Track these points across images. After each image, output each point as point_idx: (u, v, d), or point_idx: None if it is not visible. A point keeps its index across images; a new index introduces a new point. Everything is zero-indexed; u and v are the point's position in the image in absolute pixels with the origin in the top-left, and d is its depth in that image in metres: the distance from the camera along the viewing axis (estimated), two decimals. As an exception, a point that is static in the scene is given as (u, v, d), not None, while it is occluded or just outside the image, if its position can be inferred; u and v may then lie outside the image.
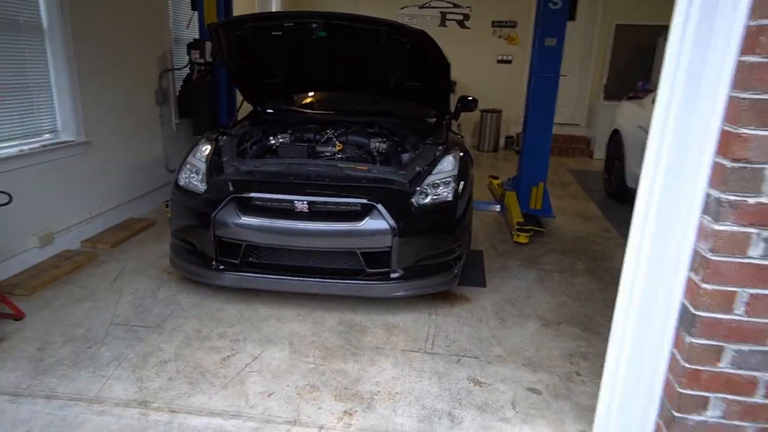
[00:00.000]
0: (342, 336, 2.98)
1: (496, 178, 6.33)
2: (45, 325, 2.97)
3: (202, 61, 5.15)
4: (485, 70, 9.05)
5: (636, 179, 5.45)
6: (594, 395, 2.47)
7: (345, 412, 2.35)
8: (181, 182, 3.34)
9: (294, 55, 3.85)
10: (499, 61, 9.12)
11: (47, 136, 3.93)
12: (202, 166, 3.35)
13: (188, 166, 3.40)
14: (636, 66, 8.77)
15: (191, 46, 5.15)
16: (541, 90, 4.93)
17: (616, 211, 5.65)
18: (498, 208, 5.54)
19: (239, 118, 4.22)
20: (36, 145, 3.75)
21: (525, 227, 4.51)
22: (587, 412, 2.38)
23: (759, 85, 1.35)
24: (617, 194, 6.00)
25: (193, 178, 3.31)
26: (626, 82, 8.54)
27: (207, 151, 3.47)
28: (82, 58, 4.01)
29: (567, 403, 2.46)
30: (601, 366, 2.70)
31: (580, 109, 9.22)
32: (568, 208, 5.74)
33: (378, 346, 2.90)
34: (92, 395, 2.40)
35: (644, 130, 5.31)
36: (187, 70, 5.36)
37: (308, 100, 4.64)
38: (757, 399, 1.58)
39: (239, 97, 4.51)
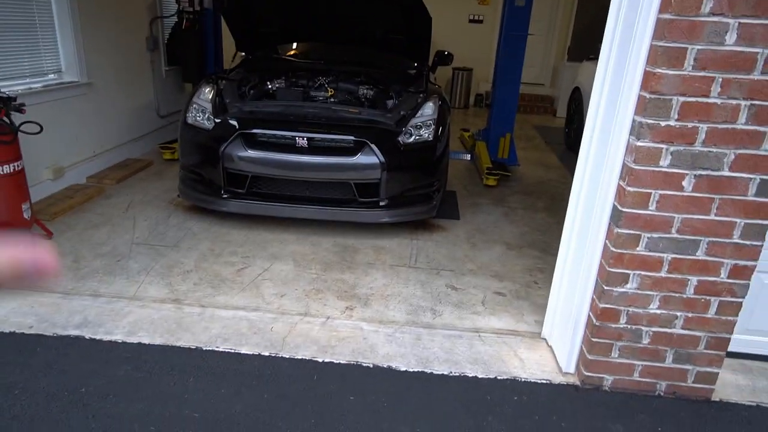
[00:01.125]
0: (338, 254, 3.47)
1: (467, 130, 6.82)
2: (73, 244, 3.35)
3: (190, 9, 5.36)
4: (457, 30, 9.40)
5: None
6: (548, 297, 3.06)
7: (346, 307, 2.86)
8: (190, 120, 3.68)
9: (287, 6, 4.16)
10: (471, 21, 9.48)
11: (52, 76, 4.16)
12: (208, 106, 3.69)
13: (195, 105, 3.73)
14: (598, 29, 9.22)
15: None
16: (510, 48, 5.38)
17: (575, 161, 6.23)
18: (469, 157, 6.04)
19: (230, 67, 4.53)
20: (42, 84, 3.99)
21: (493, 171, 5.05)
22: (541, 308, 2.96)
23: (670, 35, 1.84)
24: (575, 146, 6.56)
25: (200, 116, 3.66)
26: (588, 45, 9.05)
27: (210, 93, 3.80)
28: (83, 3, 4.21)
29: (526, 302, 3.04)
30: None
31: (545, 69, 9.74)
32: (532, 158, 6.31)
33: (369, 262, 3.40)
34: (131, 295, 2.83)
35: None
36: (176, 19, 5.55)
37: (300, 50, 4.96)
38: (662, 274, 2.14)
39: (226, 47, 4.80)
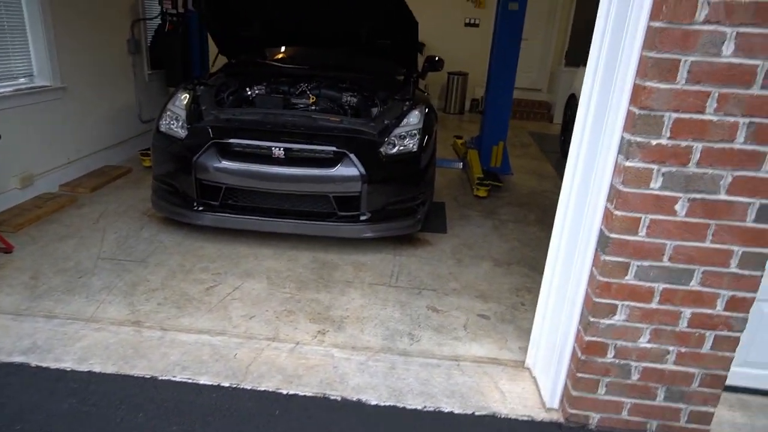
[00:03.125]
0: (315, 271, 3.29)
1: (460, 138, 6.65)
2: (35, 258, 3.17)
3: (174, 11, 5.20)
4: (453, 33, 9.24)
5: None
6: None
7: (318, 331, 2.68)
8: (162, 128, 3.51)
9: (269, 8, 4.00)
10: (467, 24, 9.31)
11: (23, 80, 4.00)
12: (182, 113, 3.52)
13: (168, 113, 3.56)
14: (597, 34, 9.12)
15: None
16: (503, 53, 5.21)
17: (569, 170, 6.07)
18: (460, 165, 5.88)
19: (213, 71, 4.37)
20: (13, 88, 3.82)
21: (484, 182, 4.87)
22: (527, 333, 2.77)
23: (661, 45, 1.67)
24: (571, 155, 6.41)
25: (174, 124, 3.49)
26: (586, 49, 8.88)
27: (186, 99, 3.63)
28: (57, 5, 4.05)
29: (510, 326, 2.86)
30: (542, 295, 3.11)
31: (542, 74, 9.57)
32: (526, 167, 6.13)
33: (348, 280, 3.22)
34: (88, 316, 2.65)
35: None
36: (159, 21, 5.39)
37: (282, 54, 4.79)
38: (653, 305, 1.96)
39: (212, 50, 4.64)
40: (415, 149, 3.47)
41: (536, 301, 3.09)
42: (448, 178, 5.50)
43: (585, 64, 6.29)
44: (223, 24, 4.11)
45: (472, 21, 9.26)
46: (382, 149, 3.40)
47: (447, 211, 4.47)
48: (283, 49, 4.83)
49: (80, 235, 3.53)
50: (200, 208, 3.40)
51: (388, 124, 3.54)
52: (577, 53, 8.94)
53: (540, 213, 4.61)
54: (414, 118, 3.60)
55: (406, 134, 3.50)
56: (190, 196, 3.39)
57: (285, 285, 3.11)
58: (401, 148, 3.46)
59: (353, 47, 4.34)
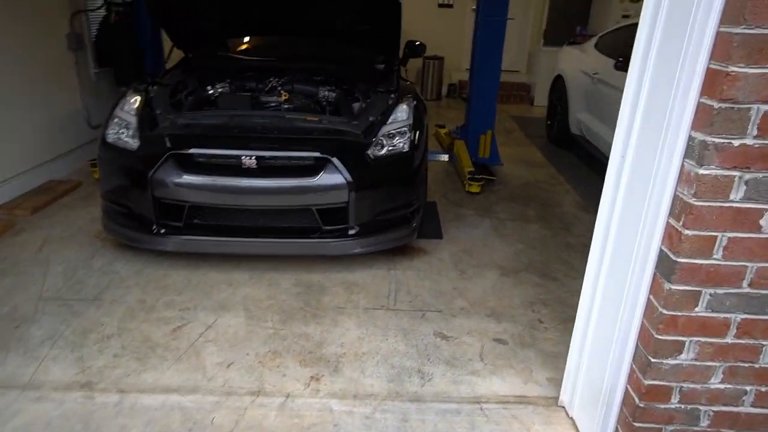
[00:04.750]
0: (300, 297, 2.85)
1: (443, 126, 6.22)
2: (-40, 306, 2.64)
3: (119, 1, 4.60)
4: (426, 15, 8.77)
5: (579, 125, 5.48)
6: (557, 342, 2.51)
7: (311, 377, 2.25)
8: (110, 139, 2.99)
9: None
10: (441, 6, 8.85)
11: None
12: (133, 120, 3.00)
13: (116, 120, 3.04)
14: (574, 11, 8.81)
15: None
16: (488, 34, 4.79)
17: (560, 157, 5.74)
18: (446, 157, 5.46)
19: (169, 66, 3.82)
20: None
21: (476, 177, 4.48)
22: (552, 358, 2.41)
23: (752, 18, 1.28)
24: (560, 140, 6.09)
25: (123, 133, 2.97)
26: (565, 28, 8.57)
27: (137, 103, 3.11)
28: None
29: (532, 351, 2.48)
30: (562, 312, 2.75)
31: (520, 55, 9.20)
32: (514, 155, 5.76)
33: (339, 305, 2.79)
34: (25, 380, 2.15)
35: (587, 75, 5.35)
36: (103, 12, 4.78)
37: (246, 45, 4.27)
38: (728, 339, 1.60)
39: (167, 43, 4.08)
40: (406, 149, 3.04)
41: (556, 318, 2.73)
42: (434, 171, 5.07)
43: (569, 43, 5.91)
44: (174, 12, 3.55)
45: (446, 2, 8.80)
46: (369, 151, 2.96)
47: (440, 212, 4.07)
48: (247, 39, 4.30)
49: (17, 270, 2.99)
50: (161, 231, 2.90)
51: (373, 121, 3.10)
52: (557, 32, 8.61)
53: (539, 207, 4.24)
54: (402, 113, 3.16)
55: (395, 132, 3.06)
56: (147, 218, 2.88)
57: (267, 317, 2.66)
58: (391, 148, 3.02)
59: (327, 34, 3.85)
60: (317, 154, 2.82)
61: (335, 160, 2.80)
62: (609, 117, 4.66)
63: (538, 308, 2.83)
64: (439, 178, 4.90)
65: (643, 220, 1.63)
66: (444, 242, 3.57)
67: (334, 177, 2.82)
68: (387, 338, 2.53)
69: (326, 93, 3.46)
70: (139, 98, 3.14)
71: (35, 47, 4.12)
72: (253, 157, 2.78)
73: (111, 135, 2.99)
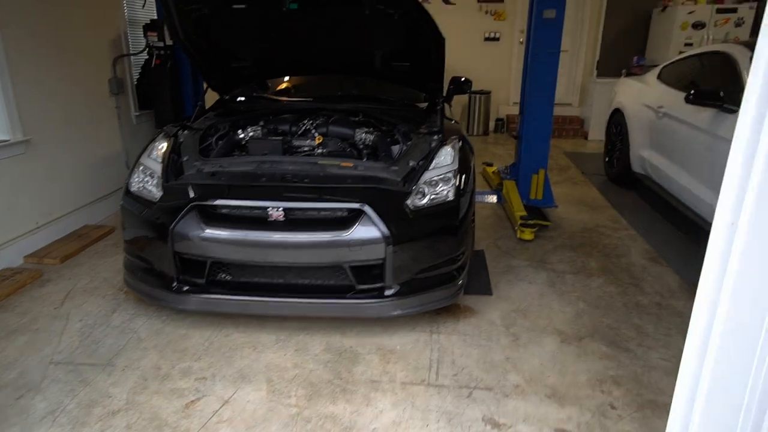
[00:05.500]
0: (330, 367, 2.52)
1: (491, 165, 5.87)
2: (-32, 369, 2.46)
3: (161, 44, 4.57)
4: (472, 49, 8.53)
5: (642, 163, 4.99)
6: (637, 437, 2.06)
7: (337, 474, 1.90)
8: (133, 188, 2.82)
9: (262, 32, 3.30)
10: (487, 39, 8.60)
11: (-27, 136, 3.36)
12: (158, 168, 2.82)
13: (141, 168, 2.87)
14: (629, 40, 8.36)
15: (148, 28, 4.56)
16: (540, 68, 4.46)
17: (622, 197, 5.25)
18: (495, 198, 5.09)
19: (205, 108, 3.68)
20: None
21: (529, 222, 4.07)
22: (630, 458, 1.97)
23: None
24: (620, 179, 5.59)
25: (148, 182, 2.79)
26: (620, 58, 8.12)
27: (164, 149, 2.94)
28: (12, 42, 3.42)
29: (604, 447, 2.04)
30: (639, 394, 2.29)
31: (572, 87, 8.77)
32: (570, 196, 5.31)
33: (373, 378, 2.44)
34: (17, 468, 1.91)
35: (651, 109, 4.90)
36: (145, 56, 4.77)
37: (283, 85, 4.11)
38: None
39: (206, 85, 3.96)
40: (451, 197, 2.70)
41: (631, 402, 2.27)
42: (482, 215, 4.71)
43: (628, 75, 5.45)
44: (210, 56, 3.42)
45: (493, 35, 8.55)
46: (409, 201, 2.64)
47: (489, 263, 3.68)
48: (284, 79, 4.15)
49: (35, 327, 2.82)
50: (182, 288, 2.66)
51: (414, 166, 2.79)
52: (611, 62, 8.17)
53: (601, 258, 3.78)
54: (447, 156, 2.85)
55: (439, 179, 2.74)
56: (167, 274, 2.66)
57: (291, 392, 2.34)
58: (434, 197, 2.70)
59: (368, 73, 3.61)
60: (350, 205, 2.53)
61: (370, 211, 2.50)
62: (679, 155, 4.17)
63: (608, 388, 2.38)
64: (487, 223, 4.52)
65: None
66: (494, 300, 3.17)
67: (369, 230, 2.51)
68: (428, 424, 2.15)
69: (363, 135, 3.20)
70: (166, 144, 2.97)
71: (78, 93, 4.11)
72: (280, 209, 2.53)
73: (135, 184, 2.82)
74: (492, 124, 8.78)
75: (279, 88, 4.16)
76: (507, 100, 8.77)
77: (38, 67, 3.68)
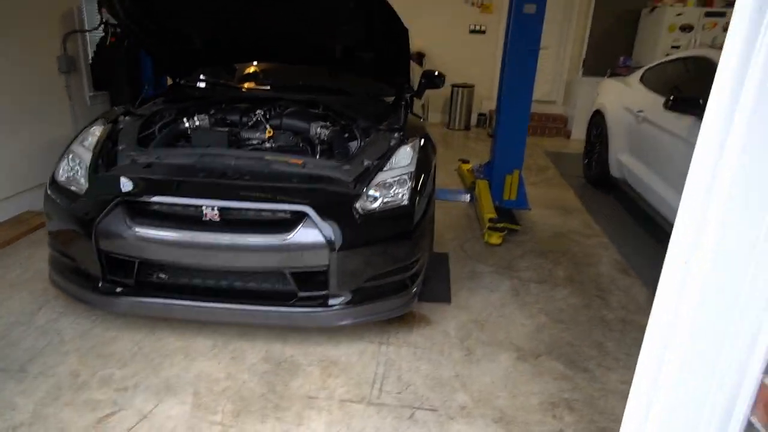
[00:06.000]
0: (265, 379, 2.33)
1: (467, 162, 5.69)
2: None
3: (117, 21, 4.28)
4: (456, 42, 8.31)
5: (620, 167, 4.81)
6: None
7: (251, 507, 1.72)
8: (59, 177, 2.58)
9: (210, 13, 3.05)
10: (472, 32, 8.38)
11: None
12: (87, 157, 2.59)
13: (71, 155, 2.64)
14: (617, 39, 8.19)
15: (102, 3, 4.27)
16: (518, 65, 4.27)
17: (598, 202, 5.10)
18: (468, 197, 4.92)
19: (148, 93, 3.42)
20: None
21: (498, 225, 3.90)
22: (575, 495, 1.81)
23: None
24: (598, 182, 5.45)
25: (75, 172, 2.56)
26: (607, 57, 7.95)
27: (97, 136, 2.71)
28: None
29: (549, 481, 1.88)
30: (592, 420, 2.14)
31: (557, 84, 8.61)
32: (546, 198, 5.16)
33: (310, 394, 2.25)
34: None
35: (631, 112, 4.74)
36: (101, 33, 4.49)
37: (242, 72, 3.87)
38: None
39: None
40: (405, 202, 2.51)
41: (583, 427, 2.12)
42: (452, 215, 4.53)
43: (611, 75, 5.22)
44: (156, 36, 3.17)
45: (478, 28, 8.33)
46: (358, 204, 2.44)
47: (452, 265, 3.50)
48: (244, 66, 3.90)
49: (-52, 324, 2.59)
50: (110, 289, 2.45)
51: (368, 166, 2.59)
52: (598, 61, 8.00)
53: (570, 266, 3.63)
54: (404, 157, 2.65)
55: (393, 181, 2.55)
56: (93, 274, 2.44)
57: (218, 407, 2.15)
58: (387, 200, 2.50)
59: (329, 62, 3.39)
60: (292, 207, 2.33)
61: (313, 214, 2.30)
62: (655, 161, 4.02)
63: (560, 413, 2.22)
64: (457, 224, 4.35)
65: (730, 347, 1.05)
66: (452, 308, 3.00)
67: (312, 234, 2.32)
68: (361, 449, 1.98)
69: (319, 130, 2.98)
70: (101, 131, 2.73)
71: (20, 71, 3.83)
72: (215, 208, 2.32)
73: (61, 173, 2.59)
74: (474, 119, 8.59)
75: (242, 74, 3.92)
76: (491, 95, 8.54)
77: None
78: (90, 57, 4.55)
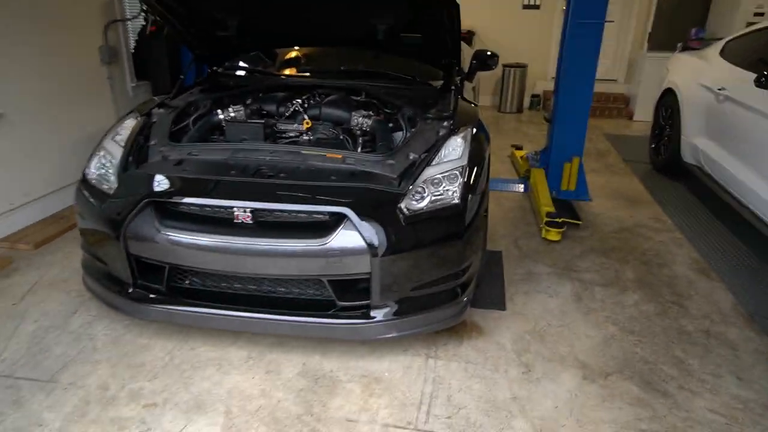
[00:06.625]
0: (302, 397, 2.14)
1: (520, 148, 5.31)
2: None
3: (157, 8, 4.16)
4: (508, 18, 7.81)
5: (695, 152, 4.27)
6: None
7: None
8: (90, 175, 2.46)
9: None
10: (525, 6, 7.84)
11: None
12: (119, 153, 2.45)
13: (101, 153, 2.50)
14: (688, 9, 7.47)
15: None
16: (579, 41, 3.86)
17: (669, 192, 4.62)
18: (522, 187, 4.55)
19: (184, 83, 3.25)
20: None
21: (556, 220, 3.56)
22: None
23: None
24: (667, 169, 4.95)
25: (106, 170, 2.42)
26: (675, 30, 7.26)
27: (129, 131, 2.56)
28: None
29: None
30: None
31: (618, 61, 7.96)
32: (608, 187, 4.73)
33: (350, 416, 2.05)
34: None
35: (710, 90, 4.22)
36: (142, 21, 4.38)
37: (283, 57, 3.65)
38: None
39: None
40: (456, 200, 2.23)
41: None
42: (504, 207, 4.21)
43: (684, 49, 4.64)
44: (191, 22, 2.99)
45: (533, 2, 7.78)
46: (403, 203, 2.19)
47: (505, 267, 3.20)
48: (284, 52, 3.68)
49: (-15, 327, 2.54)
50: (141, 296, 2.31)
51: (414, 160, 2.32)
52: (665, 35, 7.33)
53: (639, 266, 3.25)
54: (455, 149, 2.37)
55: (443, 177, 2.27)
56: (123, 279, 2.31)
57: (250, 429, 1.98)
58: (434, 198, 2.23)
59: (372, 46, 3.11)
60: (330, 208, 2.10)
61: (354, 216, 2.06)
62: (743, 148, 3.54)
63: (637, 448, 1.92)
64: (510, 217, 4.02)
65: None
66: (507, 316, 2.72)
67: (352, 239, 2.08)
68: (406, 486, 1.75)
69: (360, 119, 2.72)
70: (133, 125, 2.59)
71: (61, 63, 3.76)
72: (248, 210, 2.12)
73: (92, 171, 2.46)
74: (527, 101, 8.10)
75: (285, 59, 3.70)
76: (545, 75, 8.05)
77: (12, 35, 3.33)
78: (132, 46, 4.46)
